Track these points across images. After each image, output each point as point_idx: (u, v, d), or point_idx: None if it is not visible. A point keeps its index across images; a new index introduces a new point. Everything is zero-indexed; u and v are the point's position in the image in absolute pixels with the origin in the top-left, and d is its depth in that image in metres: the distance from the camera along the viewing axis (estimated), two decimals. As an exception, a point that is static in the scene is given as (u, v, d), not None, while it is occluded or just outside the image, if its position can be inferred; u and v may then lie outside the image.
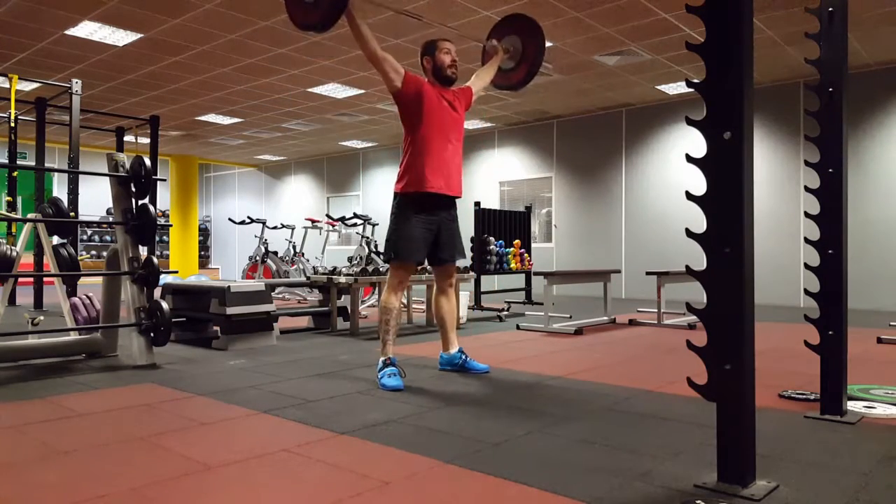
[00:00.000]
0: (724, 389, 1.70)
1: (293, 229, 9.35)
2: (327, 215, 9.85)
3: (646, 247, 9.60)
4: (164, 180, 14.15)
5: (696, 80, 1.76)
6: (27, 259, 6.33)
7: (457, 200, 3.44)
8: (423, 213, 3.28)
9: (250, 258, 9.00)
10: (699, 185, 1.70)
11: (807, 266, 2.49)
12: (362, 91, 9.02)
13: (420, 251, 3.29)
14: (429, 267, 3.62)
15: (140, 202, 3.91)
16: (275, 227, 9.55)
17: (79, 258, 4.59)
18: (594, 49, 7.26)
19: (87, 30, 6.72)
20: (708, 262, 1.73)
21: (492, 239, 6.93)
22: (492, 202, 11.12)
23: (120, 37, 6.93)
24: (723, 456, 1.72)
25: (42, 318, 4.11)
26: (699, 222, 1.73)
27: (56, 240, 4.50)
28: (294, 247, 9.10)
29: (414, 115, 3.27)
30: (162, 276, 4.02)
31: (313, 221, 9.41)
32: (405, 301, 6.12)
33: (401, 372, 3.16)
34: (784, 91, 8.35)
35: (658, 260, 8.87)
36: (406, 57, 7.46)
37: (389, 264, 3.34)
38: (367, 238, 8.28)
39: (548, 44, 7.03)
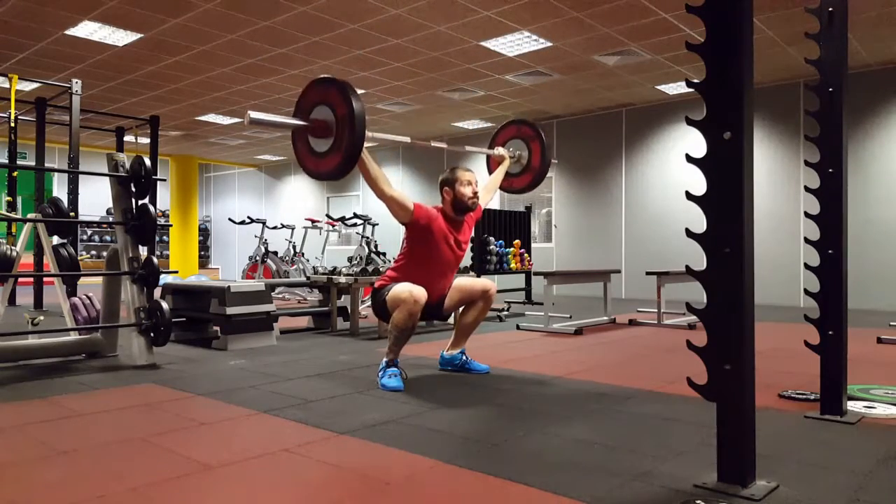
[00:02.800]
0: (724, 389, 1.70)
1: (293, 229, 9.35)
2: (327, 215, 9.86)
3: (646, 247, 9.60)
4: (164, 180, 14.15)
5: (696, 80, 1.76)
6: (27, 259, 6.33)
7: None
8: None
9: (250, 258, 9.01)
10: (699, 185, 1.70)
11: (807, 266, 2.49)
12: (362, 91, 9.01)
13: (420, 289, 3.18)
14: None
15: (140, 202, 3.91)
16: (275, 227, 9.55)
17: (79, 258, 4.59)
18: (594, 49, 7.25)
19: (87, 30, 6.72)
20: (708, 262, 1.73)
21: (492, 239, 6.92)
22: (492, 202, 11.10)
23: (120, 37, 6.93)
24: (723, 456, 1.72)
25: (42, 318, 4.11)
26: (699, 222, 1.73)
27: (56, 240, 4.50)
28: (294, 247, 9.10)
29: (419, 241, 3.30)
30: (162, 276, 4.02)
31: (313, 221, 9.41)
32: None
33: (402, 374, 3.16)
34: (784, 91, 8.35)
35: (658, 260, 8.87)
36: (406, 57, 7.47)
37: (391, 295, 3.16)
38: (367, 238, 8.28)
39: (548, 44, 7.04)
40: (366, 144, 2.87)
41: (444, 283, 3.42)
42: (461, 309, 3.55)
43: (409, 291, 3.09)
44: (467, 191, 3.34)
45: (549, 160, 3.87)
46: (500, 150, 3.82)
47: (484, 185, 3.68)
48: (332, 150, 2.84)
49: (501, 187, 3.96)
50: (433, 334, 5.21)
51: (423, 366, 3.69)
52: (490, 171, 3.91)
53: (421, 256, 3.31)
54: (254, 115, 2.74)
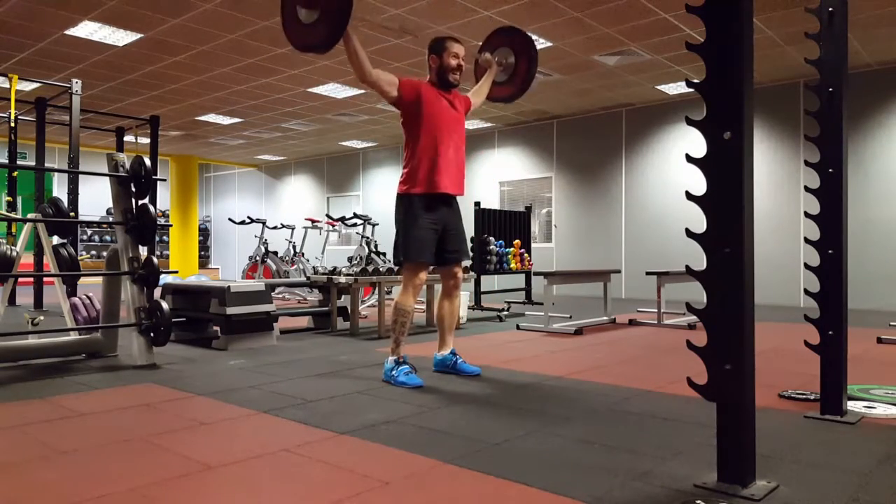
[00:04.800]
0: (724, 389, 1.70)
1: (293, 229, 9.35)
2: (327, 215, 9.85)
3: (646, 247, 9.60)
4: (164, 180, 14.14)
5: (696, 80, 1.76)
6: (27, 259, 6.33)
7: (464, 187, 3.46)
8: (429, 213, 3.28)
9: (250, 258, 9.00)
10: (699, 185, 1.70)
11: (807, 266, 2.49)
12: (362, 91, 9.02)
13: (430, 251, 3.28)
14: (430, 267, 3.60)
15: (140, 202, 3.91)
16: (275, 227, 9.55)
17: (79, 258, 4.59)
18: (594, 49, 7.25)
19: (87, 30, 6.72)
20: (708, 262, 1.73)
21: (492, 239, 6.93)
22: (492, 202, 11.12)
23: (120, 37, 6.93)
24: (723, 456, 1.72)
25: (42, 318, 4.11)
26: (699, 222, 1.73)
27: (56, 240, 4.50)
28: (294, 247, 9.10)
29: (415, 116, 3.27)
30: (162, 276, 4.02)
31: (313, 221, 9.41)
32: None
33: (413, 370, 3.19)
34: (784, 91, 8.35)
35: (658, 260, 8.87)
36: (406, 57, 7.47)
37: (402, 266, 3.31)
38: (367, 238, 8.28)
39: (548, 44, 7.04)
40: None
41: (457, 157, 3.34)
42: (436, 305, 3.56)
43: (417, 275, 3.18)
44: (452, 62, 3.32)
45: (534, 72, 3.80)
46: (486, 56, 3.75)
47: (474, 89, 3.68)
48: (318, 22, 2.86)
49: (494, 97, 3.91)
50: (433, 334, 5.20)
51: (423, 366, 3.68)
52: (476, 78, 3.87)
53: (424, 135, 3.25)
54: None
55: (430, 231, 3.28)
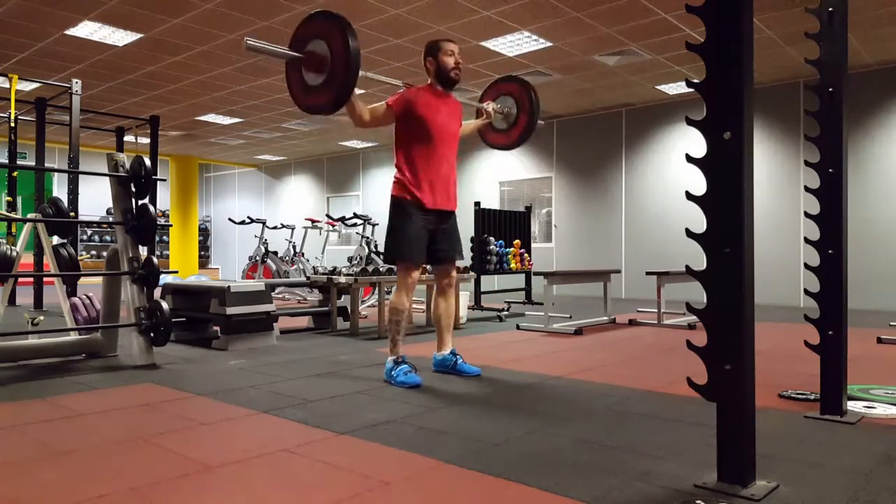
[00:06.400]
0: (724, 389, 1.70)
1: (293, 229, 9.35)
2: (327, 215, 9.85)
3: (646, 247, 9.60)
4: (164, 180, 14.15)
5: (696, 80, 1.76)
6: (27, 259, 6.33)
7: (457, 200, 3.46)
8: (422, 213, 3.28)
9: (250, 258, 9.00)
10: (699, 185, 1.70)
11: (807, 266, 2.49)
12: (362, 91, 9.01)
13: (421, 250, 3.29)
14: (429, 267, 3.61)
15: (140, 202, 3.91)
16: (275, 227, 9.55)
17: (79, 258, 4.59)
18: (594, 49, 7.26)
19: (87, 30, 6.72)
20: (708, 262, 1.73)
21: (492, 239, 6.93)
22: (492, 202, 11.12)
23: (120, 37, 6.93)
24: (723, 456, 1.72)
25: (42, 318, 4.11)
26: (699, 222, 1.73)
27: (56, 240, 4.50)
28: (294, 247, 9.10)
29: (407, 124, 3.28)
30: (162, 276, 4.02)
31: (313, 221, 9.41)
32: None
33: (413, 368, 3.19)
34: (784, 91, 8.35)
35: (658, 260, 8.87)
36: (406, 57, 7.47)
37: (395, 265, 3.33)
38: (367, 238, 8.29)
39: (548, 44, 7.05)
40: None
41: (448, 172, 3.35)
42: (433, 304, 3.57)
43: (409, 274, 3.20)
44: (450, 60, 3.31)
45: (531, 132, 3.82)
46: (488, 107, 3.75)
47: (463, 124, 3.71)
48: (324, 86, 2.87)
49: (490, 143, 3.97)
50: (433, 334, 5.20)
51: (423, 366, 3.68)
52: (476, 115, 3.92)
53: (416, 139, 3.26)
54: (250, 41, 2.75)
55: (422, 230, 3.28)
